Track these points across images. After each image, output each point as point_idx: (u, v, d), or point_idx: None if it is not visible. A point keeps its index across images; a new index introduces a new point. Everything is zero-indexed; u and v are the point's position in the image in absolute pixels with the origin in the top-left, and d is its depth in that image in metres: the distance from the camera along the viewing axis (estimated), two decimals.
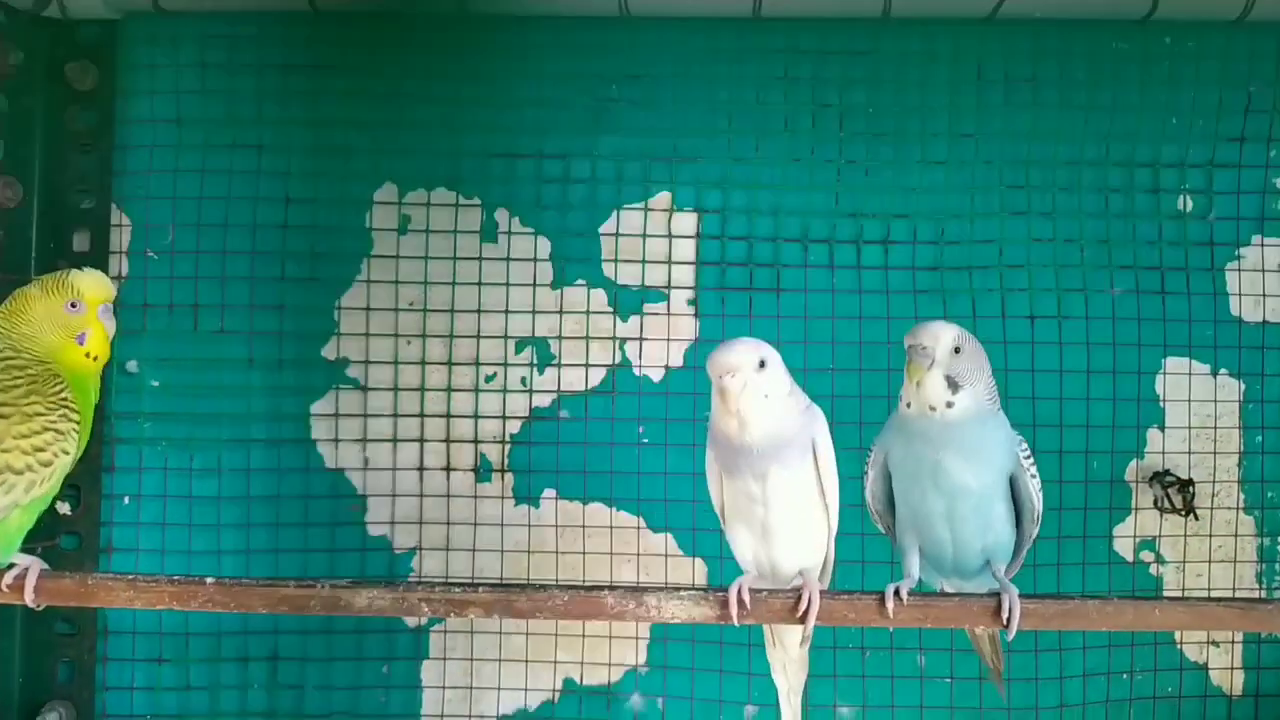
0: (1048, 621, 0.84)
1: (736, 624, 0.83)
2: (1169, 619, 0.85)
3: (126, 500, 1.18)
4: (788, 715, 0.98)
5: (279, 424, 1.19)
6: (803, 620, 0.83)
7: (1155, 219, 1.20)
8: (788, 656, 0.95)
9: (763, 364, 0.81)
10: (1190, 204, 1.21)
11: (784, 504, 0.84)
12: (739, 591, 0.83)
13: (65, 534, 1.16)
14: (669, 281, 1.21)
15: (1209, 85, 1.19)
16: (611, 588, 0.83)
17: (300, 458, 1.19)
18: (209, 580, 0.79)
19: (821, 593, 0.84)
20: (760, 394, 0.81)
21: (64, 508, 1.15)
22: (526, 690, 1.19)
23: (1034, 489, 0.89)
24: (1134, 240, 1.20)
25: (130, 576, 0.80)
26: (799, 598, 0.83)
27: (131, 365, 1.18)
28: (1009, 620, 0.82)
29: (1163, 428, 1.21)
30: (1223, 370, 1.21)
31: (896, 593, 0.83)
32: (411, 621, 1.20)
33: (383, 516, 1.19)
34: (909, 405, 0.88)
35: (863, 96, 1.19)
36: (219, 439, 1.18)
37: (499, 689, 1.19)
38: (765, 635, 0.96)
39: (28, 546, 0.89)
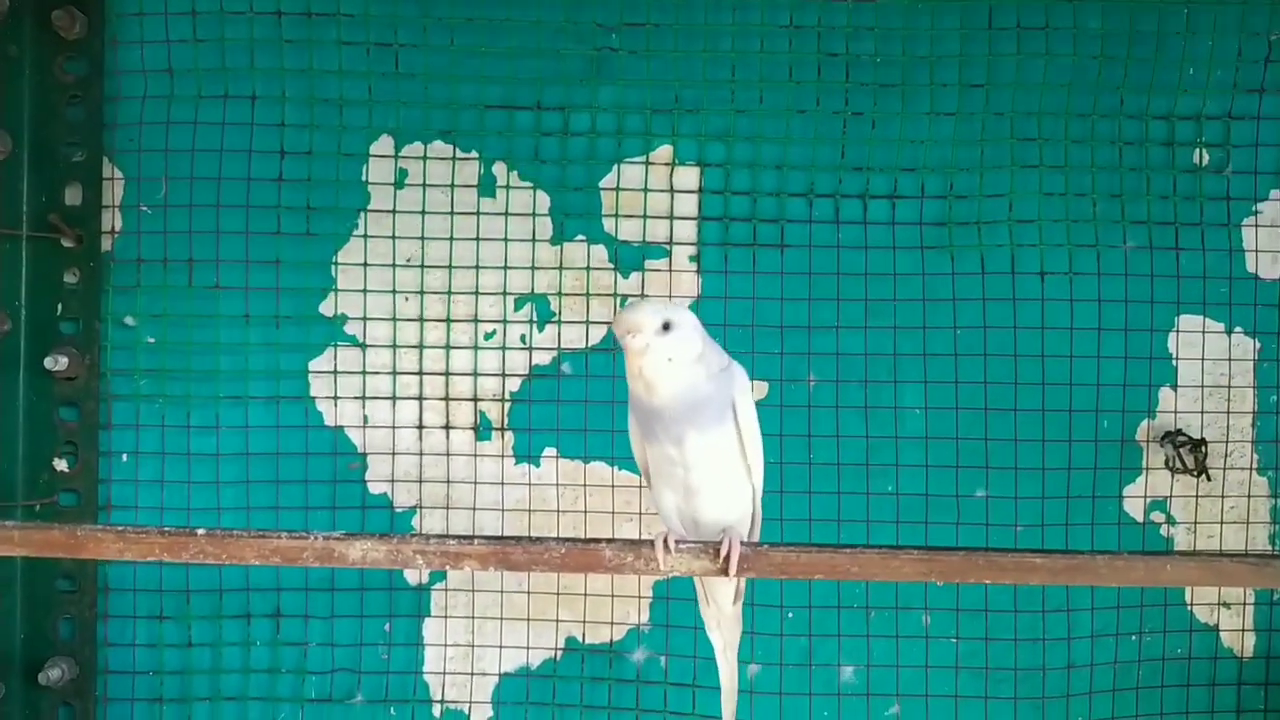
0: (1055, 576, 0.83)
1: (663, 568, 0.82)
2: (1180, 575, 0.84)
3: (124, 457, 1.17)
4: (725, 670, 0.98)
5: (277, 381, 1.18)
6: (724, 570, 0.82)
7: (1170, 173, 1.17)
8: (721, 614, 0.95)
9: (667, 326, 0.79)
10: (1206, 158, 1.18)
11: (703, 466, 0.83)
12: (664, 540, 0.82)
13: (64, 491, 1.15)
14: (671, 237, 1.19)
15: (1228, 34, 1.16)
16: (610, 541, 0.82)
17: (299, 415, 1.18)
18: (200, 532, 0.78)
19: (744, 543, 0.83)
20: (663, 357, 0.79)
21: (62, 465, 1.15)
22: (529, 648, 1.19)
23: None
24: (1148, 194, 1.17)
25: (120, 528, 0.78)
26: (718, 547, 0.82)
27: (129, 320, 1.17)
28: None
29: (1175, 387, 1.18)
30: (1237, 328, 1.18)
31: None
32: (413, 579, 1.19)
33: (383, 475, 1.18)
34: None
35: (870, 46, 1.16)
36: (216, 396, 1.17)
37: (501, 647, 1.19)
38: (698, 593, 0.96)
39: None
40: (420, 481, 1.18)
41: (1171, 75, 1.16)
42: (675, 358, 0.80)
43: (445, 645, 1.19)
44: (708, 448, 0.83)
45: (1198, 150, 1.18)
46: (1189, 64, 1.16)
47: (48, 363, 1.11)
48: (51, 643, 1.15)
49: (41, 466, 1.15)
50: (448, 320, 1.18)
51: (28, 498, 1.13)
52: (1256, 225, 1.18)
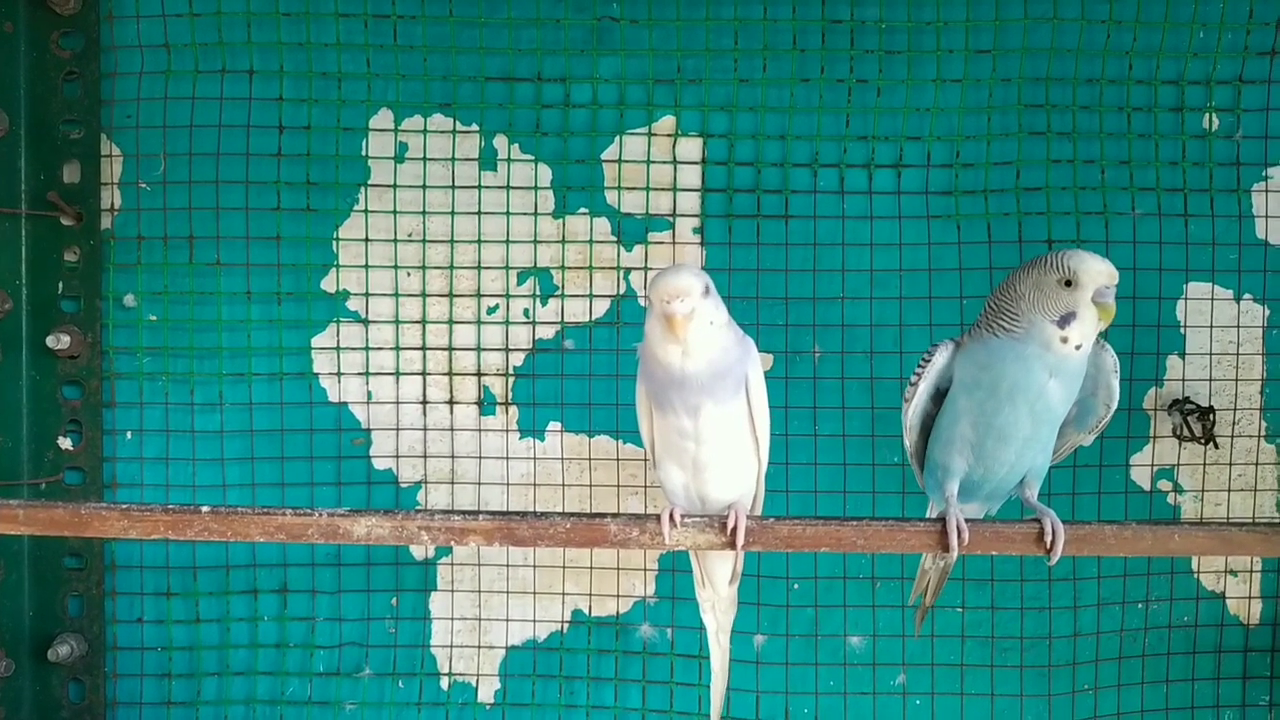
0: (1064, 548, 0.82)
1: (669, 542, 0.83)
2: (1188, 544, 0.83)
3: (129, 435, 1.17)
4: (716, 654, 0.99)
5: (280, 358, 1.17)
6: (732, 542, 0.82)
7: (1179, 139, 1.16)
8: (717, 596, 0.96)
9: (707, 290, 0.79)
10: (1216, 122, 1.16)
11: (715, 440, 0.83)
12: (670, 514, 0.84)
13: (69, 469, 1.15)
14: (674, 209, 1.18)
15: None
16: (615, 515, 0.82)
17: (302, 392, 1.18)
18: (204, 509, 0.78)
19: (750, 517, 0.84)
20: (706, 320, 0.79)
21: (66, 443, 1.15)
22: (535, 622, 1.19)
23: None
24: (1156, 161, 1.16)
25: (124, 506, 0.79)
26: (724, 521, 0.83)
27: (129, 300, 1.16)
28: (1053, 546, 0.81)
29: (1183, 355, 1.18)
30: (1246, 295, 1.17)
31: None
32: (419, 554, 1.20)
33: (388, 450, 1.18)
34: (1064, 340, 0.83)
35: (875, 12, 1.15)
36: (219, 373, 1.16)
37: (507, 620, 1.19)
38: (694, 575, 0.97)
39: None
40: (425, 457, 1.18)
41: (1181, 39, 1.14)
42: (715, 321, 0.80)
43: (452, 619, 1.20)
44: (722, 419, 0.82)
45: (1207, 115, 1.16)
46: (1199, 27, 1.14)
47: (50, 341, 1.11)
48: (60, 619, 1.15)
49: (46, 445, 1.15)
50: (450, 295, 1.17)
51: (33, 476, 1.13)
52: (1267, 190, 1.16)
